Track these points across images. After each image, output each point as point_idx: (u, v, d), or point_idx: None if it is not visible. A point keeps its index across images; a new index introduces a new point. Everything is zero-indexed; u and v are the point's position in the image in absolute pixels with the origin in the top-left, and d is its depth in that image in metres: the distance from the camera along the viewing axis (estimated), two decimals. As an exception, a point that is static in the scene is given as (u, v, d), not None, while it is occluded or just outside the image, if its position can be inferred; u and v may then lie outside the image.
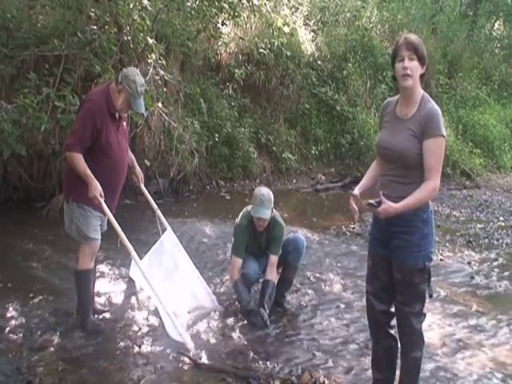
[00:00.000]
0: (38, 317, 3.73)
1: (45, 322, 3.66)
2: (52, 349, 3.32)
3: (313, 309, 4.22)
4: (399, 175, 2.60)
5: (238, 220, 4.11)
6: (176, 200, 7.77)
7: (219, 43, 9.17)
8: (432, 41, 13.55)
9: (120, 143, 3.56)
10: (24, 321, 3.67)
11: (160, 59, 7.10)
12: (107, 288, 4.32)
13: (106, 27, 6.41)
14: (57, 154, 6.31)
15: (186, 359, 3.24)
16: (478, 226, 7.40)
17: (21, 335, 3.47)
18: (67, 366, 3.11)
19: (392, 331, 2.82)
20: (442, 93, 12.91)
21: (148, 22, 6.68)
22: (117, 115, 3.52)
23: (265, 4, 9.63)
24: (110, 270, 4.73)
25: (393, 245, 2.64)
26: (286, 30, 10.00)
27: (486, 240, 6.68)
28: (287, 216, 6.82)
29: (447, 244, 6.36)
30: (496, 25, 19.20)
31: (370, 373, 3.00)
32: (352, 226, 6.85)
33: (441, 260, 5.65)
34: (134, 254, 3.43)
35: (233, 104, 9.26)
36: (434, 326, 3.96)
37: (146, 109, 5.17)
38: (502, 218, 8.04)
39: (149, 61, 6.90)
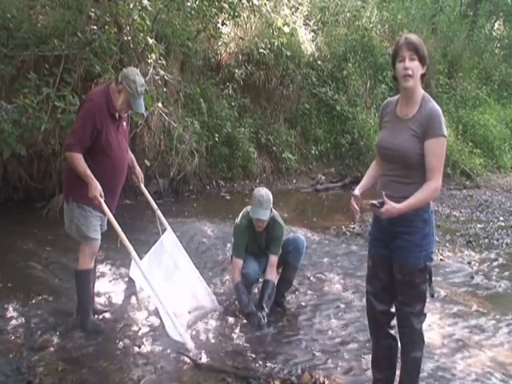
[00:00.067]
0: (38, 317, 3.73)
1: (45, 322, 3.66)
2: (52, 349, 3.32)
3: (312, 309, 4.21)
4: (400, 175, 2.60)
5: (237, 220, 4.11)
6: (176, 200, 7.77)
7: (219, 43, 9.17)
8: (432, 41, 13.54)
9: (120, 143, 3.56)
10: (24, 321, 3.67)
11: (160, 59, 7.10)
12: (107, 288, 4.32)
13: (106, 27, 6.41)
14: (57, 153, 6.32)
15: (186, 359, 3.24)
16: (478, 226, 7.40)
17: (21, 335, 3.47)
18: (67, 366, 3.12)
19: (392, 331, 2.82)
20: (442, 93, 12.91)
21: (148, 22, 6.68)
22: (117, 115, 3.53)
23: (265, 4, 9.63)
24: (109, 270, 4.73)
25: (394, 245, 2.64)
26: (286, 30, 9.99)
27: (486, 240, 6.67)
28: (287, 216, 6.82)
29: (447, 244, 6.36)
30: (496, 25, 19.20)
31: (369, 373, 3.00)
32: (352, 226, 6.85)
33: (441, 260, 5.66)
34: (133, 253, 3.43)
35: (233, 104, 9.26)
36: (434, 326, 3.96)
37: (146, 109, 5.17)
38: (502, 218, 8.04)
39: (149, 61, 6.91)
